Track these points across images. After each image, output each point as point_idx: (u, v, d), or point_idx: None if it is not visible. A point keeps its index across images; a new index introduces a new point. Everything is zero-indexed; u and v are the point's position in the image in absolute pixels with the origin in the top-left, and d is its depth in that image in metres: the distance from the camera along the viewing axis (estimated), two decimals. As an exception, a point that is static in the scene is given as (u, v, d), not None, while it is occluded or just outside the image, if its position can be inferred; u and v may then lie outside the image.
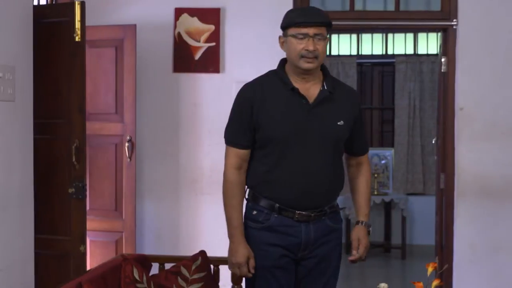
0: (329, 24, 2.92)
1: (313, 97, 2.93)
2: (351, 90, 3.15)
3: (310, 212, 2.95)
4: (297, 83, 2.94)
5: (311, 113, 2.92)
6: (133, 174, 4.82)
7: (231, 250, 2.98)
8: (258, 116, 2.91)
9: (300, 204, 2.93)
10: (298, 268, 3.04)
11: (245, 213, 3.04)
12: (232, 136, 3.00)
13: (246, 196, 3.05)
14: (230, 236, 2.99)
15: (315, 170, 2.92)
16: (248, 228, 3.02)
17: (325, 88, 2.95)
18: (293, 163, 2.91)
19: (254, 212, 3.00)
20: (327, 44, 2.96)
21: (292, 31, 2.89)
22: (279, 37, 2.99)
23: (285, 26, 2.93)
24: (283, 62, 3.04)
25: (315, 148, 2.92)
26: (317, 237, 2.99)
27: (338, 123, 2.95)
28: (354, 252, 3.07)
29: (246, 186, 3.04)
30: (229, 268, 3.03)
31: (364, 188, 3.17)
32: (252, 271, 2.97)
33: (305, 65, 2.89)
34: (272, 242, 2.96)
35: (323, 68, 3.03)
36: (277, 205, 2.94)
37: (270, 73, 3.06)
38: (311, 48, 2.86)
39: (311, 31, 2.86)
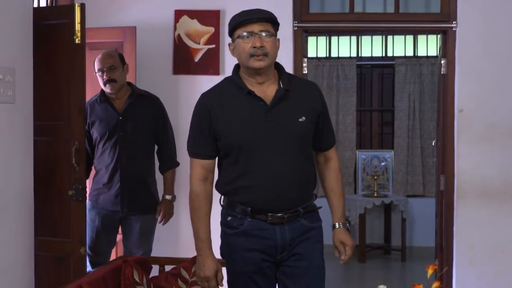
0: (273, 21, 2.89)
1: (271, 98, 2.89)
2: (310, 84, 3.08)
3: (283, 214, 2.91)
4: (253, 87, 2.90)
5: (270, 114, 2.87)
6: (133, 176, 4.81)
7: (198, 263, 2.95)
8: (217, 124, 2.88)
9: (271, 206, 2.89)
10: (280, 269, 2.99)
11: (221, 219, 3.02)
12: (195, 147, 2.96)
13: (221, 203, 3.03)
14: (198, 249, 2.96)
15: (283, 171, 2.87)
16: (225, 234, 3.00)
17: (281, 86, 2.90)
18: (260, 167, 2.86)
19: (229, 218, 2.97)
20: (278, 43, 2.91)
21: (237, 32, 2.86)
22: (229, 45, 2.95)
23: (231, 30, 2.91)
24: (237, 67, 2.99)
25: (279, 149, 2.87)
26: (293, 237, 2.94)
27: (300, 119, 2.89)
28: (342, 257, 3.04)
29: (220, 194, 3.01)
30: (197, 281, 3.01)
31: (335, 186, 3.09)
32: (221, 284, 2.94)
33: (255, 63, 2.84)
34: (248, 247, 2.93)
35: (278, 67, 2.98)
36: (249, 209, 2.90)
37: (226, 80, 3.02)
38: (258, 44, 2.81)
39: (256, 28, 2.83)
